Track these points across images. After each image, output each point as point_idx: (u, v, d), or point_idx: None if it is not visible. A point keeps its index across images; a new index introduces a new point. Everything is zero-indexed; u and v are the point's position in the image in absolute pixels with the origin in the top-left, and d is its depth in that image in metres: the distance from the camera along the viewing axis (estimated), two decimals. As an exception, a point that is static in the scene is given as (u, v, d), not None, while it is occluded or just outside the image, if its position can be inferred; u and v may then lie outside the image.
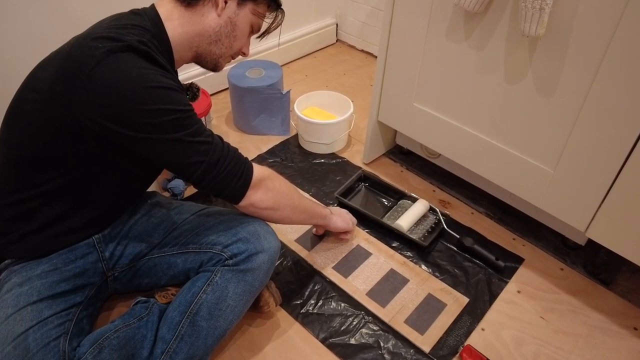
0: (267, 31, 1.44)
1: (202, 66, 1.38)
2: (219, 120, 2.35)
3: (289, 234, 1.75)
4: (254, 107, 2.17)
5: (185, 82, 1.96)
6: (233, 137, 2.23)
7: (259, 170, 1.27)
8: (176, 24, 1.24)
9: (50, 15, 1.79)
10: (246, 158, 1.26)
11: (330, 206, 1.74)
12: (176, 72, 1.35)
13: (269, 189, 1.30)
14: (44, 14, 1.77)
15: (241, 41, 1.36)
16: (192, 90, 2.08)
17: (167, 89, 1.11)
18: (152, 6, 1.25)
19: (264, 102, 2.15)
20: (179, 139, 1.11)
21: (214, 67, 1.38)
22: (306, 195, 1.92)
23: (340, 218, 1.65)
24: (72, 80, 1.06)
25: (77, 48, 1.10)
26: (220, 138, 1.22)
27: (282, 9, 1.40)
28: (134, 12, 1.23)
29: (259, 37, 1.45)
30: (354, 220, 1.72)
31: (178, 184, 1.85)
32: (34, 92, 1.13)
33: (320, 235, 1.75)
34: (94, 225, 1.31)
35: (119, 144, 1.12)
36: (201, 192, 1.21)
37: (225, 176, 1.19)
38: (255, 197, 1.27)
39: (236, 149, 1.24)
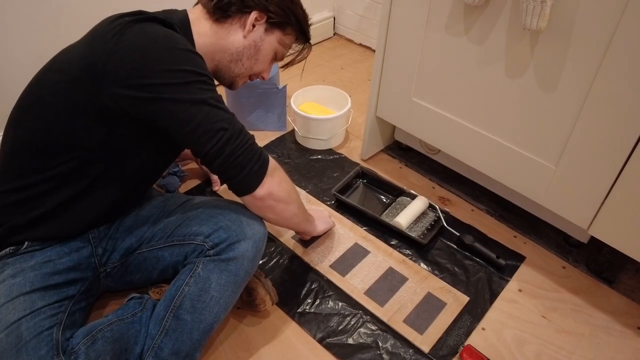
0: (292, 63, 1.49)
1: (219, 81, 1.41)
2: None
3: (286, 231, 1.75)
4: (250, 102, 2.16)
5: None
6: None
7: (271, 159, 1.27)
8: (202, 32, 1.30)
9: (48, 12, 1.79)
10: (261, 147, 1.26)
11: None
12: None
13: (280, 174, 1.30)
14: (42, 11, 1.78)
15: (262, 65, 1.40)
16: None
17: (194, 54, 1.15)
18: (184, 10, 1.31)
19: (259, 97, 2.14)
20: (205, 101, 1.12)
21: (230, 84, 1.42)
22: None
23: (321, 220, 1.67)
24: (98, 55, 1.09)
25: (102, 25, 1.15)
26: None
27: (309, 42, 1.45)
28: (164, 10, 1.28)
29: (282, 67, 1.51)
30: (329, 215, 1.76)
31: (172, 180, 1.85)
32: (58, 74, 1.17)
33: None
34: (96, 216, 1.31)
35: (139, 118, 1.13)
36: (216, 173, 1.20)
37: (245, 152, 1.18)
38: (273, 186, 1.26)
39: (253, 136, 1.24)
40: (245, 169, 1.19)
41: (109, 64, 1.08)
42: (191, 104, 1.11)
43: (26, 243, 1.23)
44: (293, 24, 1.37)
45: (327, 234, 1.74)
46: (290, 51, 1.47)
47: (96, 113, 1.13)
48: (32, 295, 1.17)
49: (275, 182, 1.26)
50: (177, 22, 1.24)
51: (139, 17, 1.13)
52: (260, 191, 1.24)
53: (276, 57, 1.43)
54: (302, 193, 1.92)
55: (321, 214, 1.70)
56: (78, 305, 1.28)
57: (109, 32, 1.10)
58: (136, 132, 1.20)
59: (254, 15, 1.30)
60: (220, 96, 1.17)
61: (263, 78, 1.46)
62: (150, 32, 1.11)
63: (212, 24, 1.30)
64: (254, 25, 1.32)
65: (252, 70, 1.40)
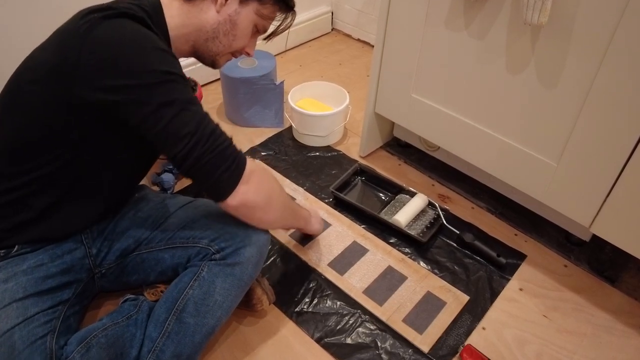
0: (274, 33, 1.42)
1: (201, 61, 1.37)
2: (210, 112, 2.30)
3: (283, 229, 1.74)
4: (247, 98, 2.16)
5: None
6: (224, 130, 2.21)
7: (249, 161, 1.21)
8: (174, 13, 1.24)
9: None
10: (240, 149, 1.20)
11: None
12: None
13: (260, 180, 1.22)
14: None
15: (242, 41, 1.34)
16: (189, 86, 2.08)
17: (164, 51, 1.11)
18: None
19: (256, 93, 2.14)
20: (172, 103, 1.08)
21: (212, 64, 1.38)
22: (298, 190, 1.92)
23: (316, 219, 1.64)
24: (68, 54, 1.06)
25: (71, 22, 1.11)
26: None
27: (294, 10, 1.37)
28: None
29: (265, 38, 1.43)
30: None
31: (168, 178, 1.85)
32: (32, 72, 1.14)
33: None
34: (87, 217, 1.30)
35: (111, 118, 1.11)
36: (186, 177, 1.15)
37: (216, 156, 1.12)
38: (247, 194, 1.18)
39: (230, 138, 1.19)
40: (214, 175, 1.13)
41: (78, 63, 1.05)
42: (158, 106, 1.07)
43: (17, 246, 1.22)
44: None
45: (324, 234, 1.73)
46: (276, 20, 1.39)
47: (70, 111, 1.11)
48: (25, 301, 1.16)
49: (251, 190, 1.19)
50: (149, 8, 1.19)
51: (108, 13, 1.09)
52: (232, 200, 1.17)
53: (258, 30, 1.36)
54: (300, 190, 1.92)
55: (316, 213, 1.67)
56: (72, 309, 1.28)
57: (78, 29, 1.07)
58: (113, 130, 1.17)
59: None
60: (194, 97, 1.14)
61: (248, 54, 1.40)
62: (118, 31, 1.07)
63: (183, 3, 1.24)
64: None
65: (231, 48, 1.34)
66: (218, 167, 1.13)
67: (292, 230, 1.74)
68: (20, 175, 1.17)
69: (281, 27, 1.40)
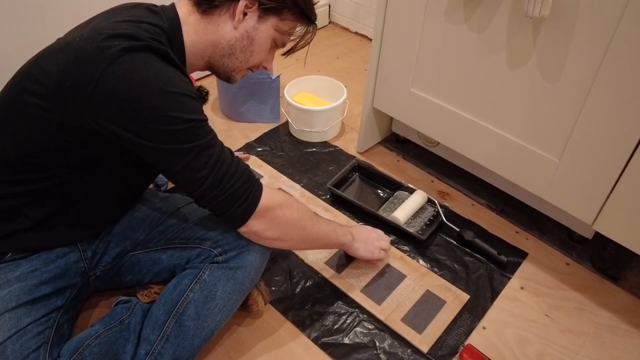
0: (293, 49, 1.39)
1: (216, 75, 1.36)
2: (205, 107, 2.33)
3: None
4: (242, 92, 2.15)
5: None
6: (219, 125, 2.21)
7: (269, 196, 1.22)
8: (190, 29, 1.23)
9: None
10: (257, 180, 1.22)
11: (357, 226, 1.65)
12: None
13: (276, 217, 1.25)
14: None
15: (259, 57, 1.32)
16: (201, 94, 2.09)
17: (184, 95, 1.09)
18: (172, 6, 1.23)
19: (252, 87, 2.13)
20: (188, 150, 1.09)
21: (228, 79, 1.36)
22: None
23: (364, 246, 1.55)
24: (83, 80, 1.03)
25: (91, 44, 1.05)
26: (231, 152, 1.18)
27: (315, 23, 1.34)
28: (152, 10, 1.20)
29: (284, 54, 1.41)
30: (385, 245, 1.60)
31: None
32: (38, 85, 1.09)
33: None
34: (84, 231, 1.30)
35: (123, 148, 1.11)
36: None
37: (228, 197, 1.15)
38: (258, 227, 1.23)
39: (247, 167, 1.20)
40: (227, 212, 1.18)
41: (94, 93, 1.02)
42: (174, 152, 1.08)
43: (10, 253, 1.21)
44: (290, 7, 1.25)
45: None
46: (295, 34, 1.36)
47: (80, 134, 1.09)
48: (17, 311, 1.15)
49: (263, 224, 1.24)
50: (168, 26, 1.18)
51: (132, 45, 1.04)
52: (243, 229, 1.23)
53: (276, 45, 1.34)
54: (297, 187, 1.92)
55: (366, 239, 1.57)
56: (66, 315, 1.27)
57: (98, 56, 1.03)
58: (117, 155, 1.17)
59: (243, 2, 1.20)
60: (212, 136, 1.13)
61: (265, 68, 1.38)
62: (141, 70, 1.04)
63: (200, 19, 1.22)
64: (245, 14, 1.23)
65: (248, 64, 1.32)
66: (231, 205, 1.17)
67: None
68: (18, 184, 1.16)
69: (301, 43, 1.36)
